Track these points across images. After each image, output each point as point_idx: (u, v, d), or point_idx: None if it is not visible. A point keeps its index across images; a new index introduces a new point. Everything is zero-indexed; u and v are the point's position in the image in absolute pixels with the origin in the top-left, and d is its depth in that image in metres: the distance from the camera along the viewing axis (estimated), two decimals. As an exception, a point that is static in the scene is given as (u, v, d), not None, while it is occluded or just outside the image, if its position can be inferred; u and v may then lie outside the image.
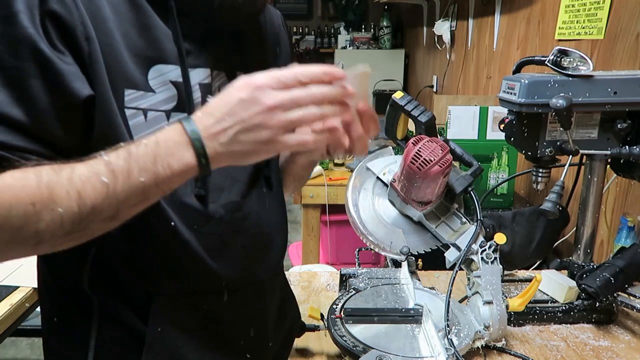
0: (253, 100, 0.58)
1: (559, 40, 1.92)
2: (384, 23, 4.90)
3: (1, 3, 0.58)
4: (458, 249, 0.98)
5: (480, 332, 0.96)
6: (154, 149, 0.58)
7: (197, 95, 0.73)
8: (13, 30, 0.58)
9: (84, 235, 0.60)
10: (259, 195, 0.83)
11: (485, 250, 0.98)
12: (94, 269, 0.72)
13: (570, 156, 1.03)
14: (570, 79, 1.00)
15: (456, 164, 1.02)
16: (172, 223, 0.70)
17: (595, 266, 1.10)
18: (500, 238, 0.98)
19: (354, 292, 1.10)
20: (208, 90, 0.75)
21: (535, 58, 1.06)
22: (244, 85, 0.59)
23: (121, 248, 0.71)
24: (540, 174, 1.10)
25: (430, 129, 1.01)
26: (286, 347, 0.96)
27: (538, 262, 1.43)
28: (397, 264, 1.22)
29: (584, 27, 1.75)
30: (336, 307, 1.03)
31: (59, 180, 0.56)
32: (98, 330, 0.73)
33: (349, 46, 4.96)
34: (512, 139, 1.08)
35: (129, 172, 0.57)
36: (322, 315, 1.01)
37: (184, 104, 0.70)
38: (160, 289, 0.74)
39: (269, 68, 0.75)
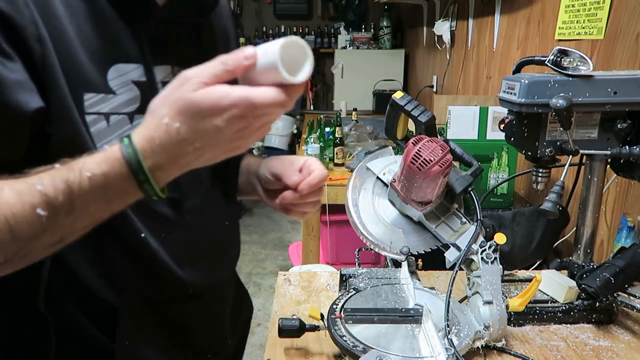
0: (236, 132, 0.53)
1: (559, 40, 1.92)
2: (384, 23, 4.90)
3: None
4: (458, 249, 0.98)
5: (480, 332, 0.96)
6: (101, 190, 0.52)
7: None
8: None
9: (26, 260, 0.55)
10: (217, 197, 0.82)
11: (485, 250, 0.98)
12: (50, 288, 0.67)
13: (570, 156, 1.03)
14: (570, 79, 1.00)
15: (456, 164, 1.02)
16: (142, 235, 0.66)
17: (595, 266, 1.10)
18: (500, 238, 0.98)
19: (354, 292, 1.10)
20: None
21: (535, 58, 1.06)
22: (185, 115, 0.51)
23: (84, 263, 0.67)
24: (540, 174, 1.10)
25: (430, 129, 1.01)
26: (243, 340, 0.97)
27: (538, 262, 1.43)
28: (397, 264, 1.22)
29: (584, 27, 1.75)
30: (336, 307, 1.03)
31: None
32: (57, 353, 0.69)
33: (349, 46, 4.96)
34: (512, 139, 1.08)
35: (72, 207, 0.52)
36: (322, 315, 1.01)
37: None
38: (126, 301, 0.70)
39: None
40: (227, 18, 0.85)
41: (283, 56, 0.53)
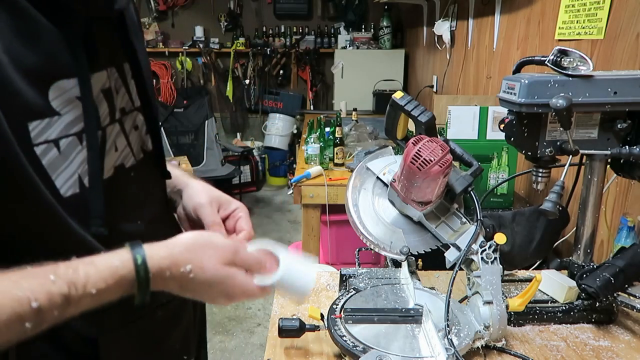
0: (223, 303, 0.63)
1: (559, 40, 1.92)
2: (384, 23, 4.90)
3: None
4: (458, 249, 0.98)
5: (480, 332, 0.96)
6: (97, 302, 0.53)
7: (103, 106, 0.63)
8: None
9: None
10: (161, 216, 0.82)
11: (485, 250, 0.98)
12: (22, 345, 0.57)
13: (570, 156, 1.03)
14: (570, 79, 1.00)
15: (456, 164, 1.02)
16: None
17: (595, 266, 1.10)
18: (500, 238, 0.98)
19: (354, 292, 1.10)
20: (110, 96, 0.65)
21: (535, 58, 1.06)
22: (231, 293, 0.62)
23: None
24: (540, 174, 1.10)
25: (430, 129, 1.01)
26: (203, 332, 0.98)
27: (538, 262, 1.43)
28: (397, 264, 1.22)
29: (584, 27, 1.75)
30: (336, 307, 1.03)
31: None
32: None
33: (349, 46, 4.96)
34: (512, 139, 1.08)
35: (62, 316, 0.51)
36: (322, 315, 1.01)
37: (93, 124, 0.60)
38: (107, 326, 0.68)
39: (142, 53, 0.71)
40: (132, 7, 0.77)
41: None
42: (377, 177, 1.09)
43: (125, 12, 0.68)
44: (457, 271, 0.95)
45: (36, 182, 0.53)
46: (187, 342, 0.85)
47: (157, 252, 0.56)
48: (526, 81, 0.99)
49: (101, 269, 0.53)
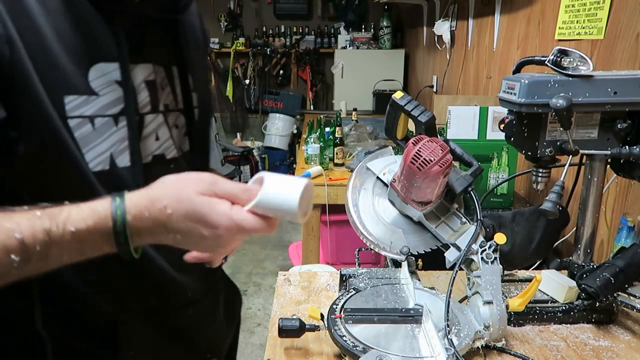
0: (217, 244, 0.57)
1: (559, 40, 1.92)
2: (384, 23, 4.90)
3: None
4: (458, 249, 0.98)
5: (480, 332, 0.96)
6: (79, 245, 0.53)
7: (144, 94, 0.66)
8: None
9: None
10: None
11: (485, 250, 0.98)
12: (46, 307, 0.65)
13: (570, 156, 1.03)
14: (570, 79, 1.00)
15: (456, 164, 1.01)
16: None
17: (595, 266, 1.10)
18: (500, 238, 0.98)
19: (354, 292, 1.10)
20: (154, 88, 0.68)
21: (535, 58, 1.06)
22: (214, 225, 0.55)
23: (78, 278, 0.65)
24: (540, 174, 1.10)
25: (430, 129, 1.01)
26: (237, 335, 0.97)
27: (538, 262, 1.43)
28: (397, 264, 1.22)
29: (584, 27, 1.75)
30: (336, 307, 1.03)
31: None
32: None
33: (349, 46, 4.96)
34: (512, 139, 1.08)
35: (47, 255, 0.52)
36: (322, 315, 1.01)
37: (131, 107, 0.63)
38: (127, 312, 0.69)
39: (194, 60, 0.74)
40: (194, 14, 0.82)
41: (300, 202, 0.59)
42: (377, 177, 1.09)
43: (182, 21, 0.73)
44: (457, 271, 0.95)
45: (67, 146, 0.56)
46: (216, 344, 0.85)
47: (136, 194, 0.55)
48: (526, 81, 0.99)
49: (83, 209, 0.53)
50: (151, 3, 0.67)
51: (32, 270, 0.53)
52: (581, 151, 1.05)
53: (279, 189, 0.59)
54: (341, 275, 1.17)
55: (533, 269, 1.41)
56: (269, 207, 0.59)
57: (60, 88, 0.57)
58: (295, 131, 5.38)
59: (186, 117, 0.76)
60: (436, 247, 1.02)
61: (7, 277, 0.52)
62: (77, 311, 0.67)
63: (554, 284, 1.15)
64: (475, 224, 0.98)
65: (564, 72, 1.01)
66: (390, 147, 1.15)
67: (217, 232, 0.56)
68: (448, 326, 0.92)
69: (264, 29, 5.40)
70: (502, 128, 1.09)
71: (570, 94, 0.98)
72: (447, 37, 3.34)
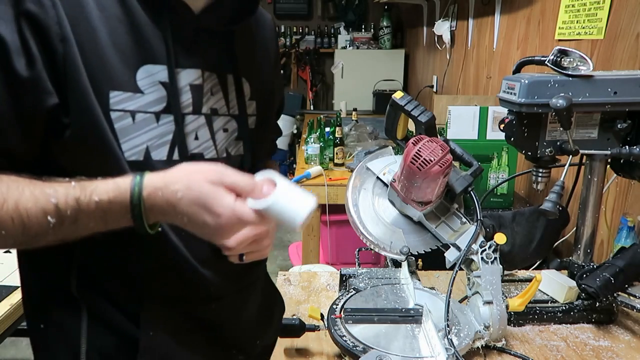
0: (217, 232, 0.62)
1: (559, 40, 1.92)
2: (384, 23, 4.90)
3: None
4: (458, 249, 0.98)
5: (480, 332, 0.96)
6: (102, 214, 0.61)
7: (187, 96, 0.71)
8: None
9: (31, 247, 0.62)
10: None
11: (485, 250, 0.98)
12: (82, 273, 0.71)
13: (570, 156, 1.03)
14: (570, 79, 1.00)
15: (456, 164, 1.02)
16: (160, 228, 0.68)
17: (595, 266, 1.10)
18: (500, 238, 0.98)
19: (354, 292, 1.11)
20: (199, 92, 0.73)
21: (535, 58, 1.06)
22: (217, 211, 0.61)
23: (107, 255, 0.70)
24: (540, 174, 1.10)
25: (430, 129, 1.01)
26: (273, 341, 0.97)
27: (538, 262, 1.43)
28: (397, 264, 1.22)
29: (584, 27, 1.75)
30: (336, 307, 1.03)
31: (4, 205, 0.58)
32: (88, 336, 0.72)
33: (349, 46, 4.96)
34: (512, 139, 1.08)
35: (76, 220, 0.60)
36: (322, 315, 1.01)
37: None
38: (149, 296, 0.73)
39: (256, 71, 0.80)
40: (269, 31, 0.89)
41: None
42: (377, 177, 1.09)
43: (239, 33, 0.79)
44: (457, 271, 0.95)
45: (105, 134, 0.63)
46: (243, 341, 0.85)
47: (154, 175, 0.62)
48: (526, 81, 0.99)
49: (108, 183, 0.61)
50: (208, 16, 0.73)
51: (65, 233, 0.61)
52: (581, 151, 1.05)
53: (289, 203, 0.64)
54: (341, 275, 1.17)
55: (533, 269, 1.41)
56: (275, 215, 0.64)
57: (106, 84, 0.63)
58: (295, 131, 5.37)
59: (238, 123, 0.80)
60: (436, 247, 1.02)
61: (45, 237, 0.60)
62: (107, 284, 0.73)
63: (554, 284, 1.15)
64: (475, 224, 0.98)
65: (564, 72, 1.01)
66: (390, 147, 1.15)
67: (219, 220, 0.61)
68: (448, 326, 0.92)
69: (264, 29, 5.39)
70: (502, 128, 1.09)
71: (570, 94, 0.98)
72: (447, 37, 3.34)
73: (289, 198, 0.64)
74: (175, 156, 0.70)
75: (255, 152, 0.83)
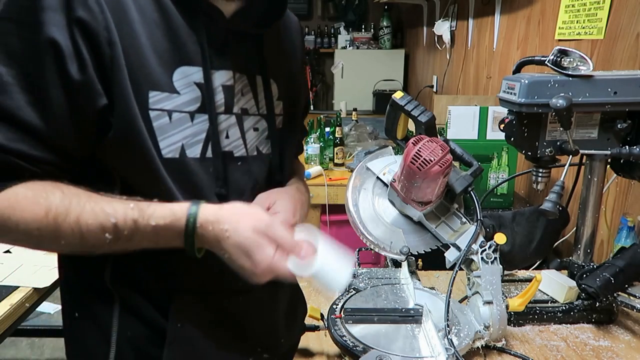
0: (251, 276, 0.68)
1: (559, 40, 1.92)
2: (384, 23, 4.90)
3: (29, 10, 0.60)
4: (458, 249, 0.98)
5: (480, 332, 0.96)
6: (156, 236, 0.66)
7: (220, 97, 0.75)
8: (39, 38, 0.60)
9: (88, 254, 0.67)
10: None
11: (485, 250, 0.98)
12: (116, 266, 0.75)
13: (570, 156, 1.03)
14: (570, 79, 1.00)
15: (456, 164, 1.01)
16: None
17: (595, 266, 1.10)
18: (500, 238, 0.98)
19: (354, 292, 1.11)
20: (231, 92, 0.76)
21: (535, 58, 1.06)
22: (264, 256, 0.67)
23: (141, 250, 0.72)
24: (540, 174, 1.10)
25: (430, 129, 1.01)
26: (296, 342, 0.98)
27: (538, 262, 1.43)
28: (397, 264, 1.22)
29: (584, 27, 1.75)
30: (336, 307, 1.03)
31: (66, 218, 0.62)
32: (119, 326, 0.76)
33: (349, 46, 4.96)
34: (512, 139, 1.08)
35: (130, 239, 0.65)
36: (322, 315, 1.01)
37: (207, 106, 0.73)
38: (179, 288, 0.76)
39: (283, 72, 0.84)
40: (296, 33, 0.92)
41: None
42: (377, 177, 1.09)
43: (267, 35, 0.82)
44: (457, 271, 0.95)
45: (142, 132, 0.66)
46: (268, 339, 0.87)
47: (209, 208, 0.67)
48: (526, 81, 0.99)
49: (165, 208, 0.66)
50: (239, 20, 0.76)
51: (118, 247, 0.66)
52: (581, 151, 1.05)
53: (329, 272, 0.70)
54: (341, 275, 1.17)
55: (533, 269, 1.41)
56: (316, 282, 0.70)
57: (146, 84, 0.66)
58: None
59: (268, 122, 0.84)
60: (436, 247, 1.02)
61: (100, 249, 0.66)
62: (139, 276, 0.76)
63: (554, 284, 1.16)
64: (475, 224, 0.98)
65: (564, 72, 1.01)
66: (390, 147, 1.15)
67: (255, 269, 0.67)
68: (448, 326, 0.92)
69: (264, 29, 5.39)
70: (502, 128, 1.09)
71: (570, 94, 0.98)
72: (447, 37, 3.34)
73: (330, 266, 0.70)
74: (209, 154, 0.74)
75: (283, 151, 0.87)
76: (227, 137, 0.77)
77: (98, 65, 0.63)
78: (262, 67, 0.82)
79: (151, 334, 0.76)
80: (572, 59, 1.01)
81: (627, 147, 1.03)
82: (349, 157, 2.82)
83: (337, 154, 2.70)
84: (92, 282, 0.76)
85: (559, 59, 1.01)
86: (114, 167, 0.70)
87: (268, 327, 0.87)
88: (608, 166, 1.11)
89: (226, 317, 0.81)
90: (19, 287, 1.35)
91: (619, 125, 1.03)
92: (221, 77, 0.75)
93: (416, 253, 1.02)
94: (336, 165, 2.71)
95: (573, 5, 1.82)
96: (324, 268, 0.69)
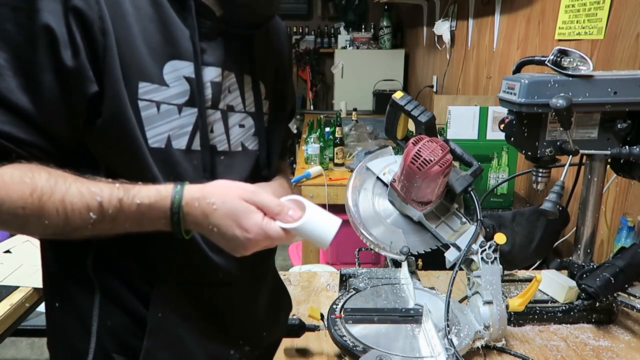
0: (243, 245, 0.68)
1: (559, 40, 1.92)
2: (384, 23, 4.90)
3: None
4: (458, 249, 0.98)
5: (480, 332, 0.96)
6: (140, 216, 0.66)
7: (208, 92, 0.76)
8: (34, 24, 0.61)
9: (71, 238, 0.67)
10: None
11: (485, 250, 0.98)
12: (99, 255, 0.75)
13: (570, 156, 1.03)
14: (570, 79, 1.00)
15: (456, 164, 1.02)
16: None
17: (595, 266, 1.10)
18: (500, 238, 0.98)
19: (354, 292, 1.11)
20: (218, 89, 0.78)
21: (535, 58, 1.06)
22: (247, 229, 0.67)
23: (124, 237, 0.73)
24: (540, 174, 1.10)
25: (430, 129, 1.01)
26: (280, 335, 0.99)
27: (538, 262, 1.43)
28: (397, 264, 1.22)
29: (584, 27, 1.75)
30: (336, 307, 1.03)
31: (51, 197, 0.62)
32: (100, 316, 0.76)
33: (349, 46, 4.96)
34: (512, 139, 1.08)
35: (116, 219, 0.65)
36: (322, 315, 1.01)
37: (195, 99, 0.74)
38: (160, 278, 0.77)
39: (271, 74, 0.85)
40: (284, 36, 0.95)
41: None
42: (377, 177, 1.09)
43: (270, 38, 0.86)
44: (457, 271, 0.95)
45: (130, 121, 0.68)
46: (250, 333, 0.87)
47: (193, 187, 0.68)
48: (526, 81, 0.99)
49: (150, 189, 0.66)
50: (230, 20, 0.77)
51: (102, 230, 0.66)
52: (581, 151, 1.05)
53: (318, 224, 0.71)
54: (341, 275, 1.17)
55: (533, 269, 1.41)
56: (305, 234, 0.70)
57: (136, 75, 0.68)
58: (295, 131, 5.37)
59: (255, 120, 0.86)
60: (436, 247, 1.02)
61: (84, 230, 0.65)
62: (121, 265, 0.77)
63: (554, 284, 1.16)
64: (475, 224, 0.98)
65: (564, 72, 1.01)
66: (390, 147, 1.15)
67: (247, 235, 0.67)
68: (448, 326, 0.92)
69: (264, 29, 5.39)
70: (502, 128, 1.09)
71: (570, 94, 0.98)
72: (447, 37, 3.34)
73: (318, 219, 0.71)
74: (194, 146, 0.75)
75: (270, 149, 0.88)
76: (211, 131, 0.78)
77: (91, 53, 0.64)
78: (251, 67, 0.84)
79: (132, 324, 0.76)
80: (572, 59, 1.01)
81: (627, 147, 1.03)
82: (349, 157, 2.82)
83: (337, 154, 2.70)
84: (74, 271, 0.77)
85: (559, 59, 1.01)
86: (101, 154, 0.71)
87: (250, 320, 0.87)
88: (608, 166, 1.11)
89: (208, 308, 0.81)
90: (19, 287, 1.35)
91: (619, 125, 1.03)
92: (210, 74, 0.76)
93: (416, 253, 1.02)
94: (336, 165, 2.71)
95: (573, 5, 1.82)
96: (312, 221, 0.70)
